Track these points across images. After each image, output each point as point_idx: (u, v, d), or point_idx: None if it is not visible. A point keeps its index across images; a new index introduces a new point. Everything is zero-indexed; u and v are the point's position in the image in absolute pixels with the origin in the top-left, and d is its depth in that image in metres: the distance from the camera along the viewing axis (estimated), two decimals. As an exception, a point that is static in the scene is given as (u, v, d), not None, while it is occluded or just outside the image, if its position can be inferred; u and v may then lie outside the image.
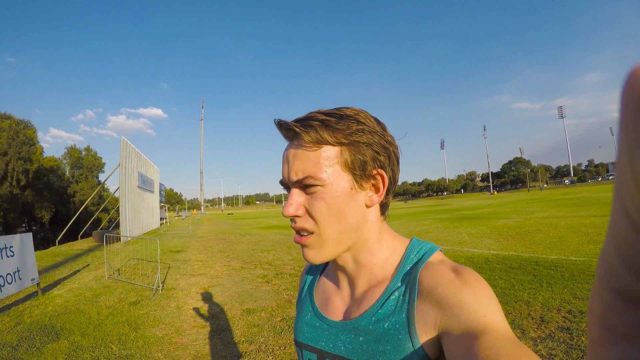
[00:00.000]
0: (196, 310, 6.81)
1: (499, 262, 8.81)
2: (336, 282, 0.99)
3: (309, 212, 0.84)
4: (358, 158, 0.83)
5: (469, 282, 0.74)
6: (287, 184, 0.88)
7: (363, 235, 0.88)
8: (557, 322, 4.94)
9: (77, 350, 5.12)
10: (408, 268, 0.85)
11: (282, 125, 0.86)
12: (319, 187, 0.82)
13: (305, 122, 0.83)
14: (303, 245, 0.87)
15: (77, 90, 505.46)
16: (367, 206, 0.87)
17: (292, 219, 0.86)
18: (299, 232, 0.87)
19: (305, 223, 0.84)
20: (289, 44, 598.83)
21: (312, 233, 0.85)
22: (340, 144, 0.82)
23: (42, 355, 5.00)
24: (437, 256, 0.86)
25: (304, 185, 0.83)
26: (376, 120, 0.89)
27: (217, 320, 6.21)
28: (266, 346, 5.02)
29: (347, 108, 0.86)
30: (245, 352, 4.87)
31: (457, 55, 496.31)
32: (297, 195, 0.85)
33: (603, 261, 0.28)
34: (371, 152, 0.84)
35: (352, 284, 0.94)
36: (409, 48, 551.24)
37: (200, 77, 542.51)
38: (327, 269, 1.07)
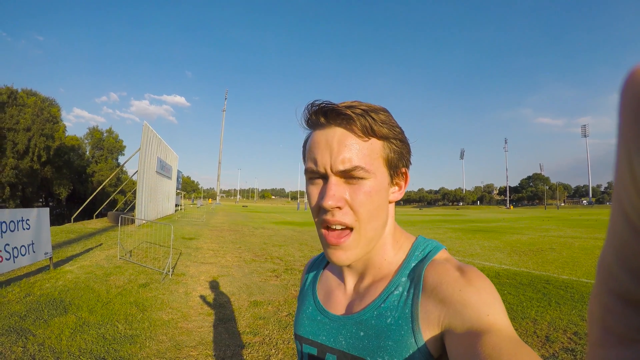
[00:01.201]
0: (203, 297, 6.84)
1: (509, 277, 8.70)
2: (340, 277, 0.99)
3: (350, 205, 0.81)
4: (395, 154, 0.84)
5: (473, 280, 0.73)
6: (321, 173, 0.82)
7: (384, 232, 0.88)
8: (562, 342, 4.85)
9: (83, 326, 5.18)
10: (413, 265, 0.85)
11: (326, 109, 0.81)
12: (365, 179, 0.80)
13: (353, 109, 0.80)
14: (336, 247, 0.83)
15: (102, 72, 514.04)
16: (390, 202, 0.88)
17: (330, 212, 0.81)
18: (331, 228, 0.82)
19: (344, 217, 0.81)
20: (314, 45, 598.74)
21: (350, 230, 0.82)
22: (385, 138, 0.82)
23: (48, 328, 5.07)
24: (442, 254, 0.86)
25: (349, 176, 0.80)
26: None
27: (223, 309, 6.23)
28: (270, 339, 5.02)
29: (371, 104, 0.84)
30: (249, 343, 4.87)
31: (482, 66, 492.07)
32: (337, 185, 0.81)
33: (602, 264, 0.29)
34: (403, 150, 0.85)
35: (356, 279, 0.94)
36: (434, 56, 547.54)
37: (225, 69, 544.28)
38: (331, 263, 1.04)
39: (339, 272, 0.99)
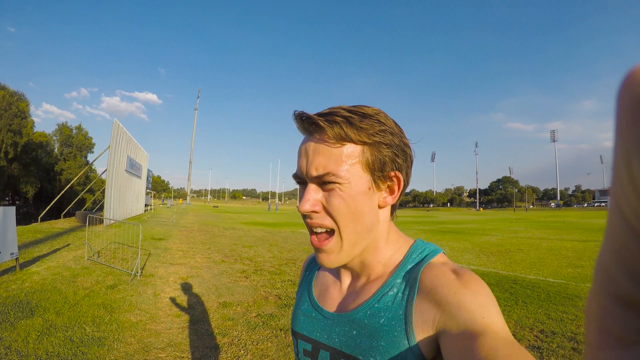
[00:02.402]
0: (172, 299, 6.82)
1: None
2: (337, 275, 1.00)
3: (326, 210, 0.83)
4: (378, 159, 0.83)
5: (469, 283, 0.74)
6: (302, 179, 0.86)
7: (374, 236, 0.88)
8: (528, 340, 5.01)
9: (50, 329, 5.13)
10: (410, 266, 0.86)
11: (304, 118, 0.84)
12: (338, 184, 0.81)
13: (330, 117, 0.82)
14: (320, 250, 0.86)
15: (73, 67, 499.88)
16: (380, 207, 0.88)
17: (309, 215, 0.84)
18: (314, 232, 0.86)
19: (323, 220, 0.83)
20: (291, 45, 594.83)
21: (332, 233, 0.84)
22: (363, 143, 0.82)
23: (15, 330, 5.01)
24: (439, 258, 0.87)
25: (323, 182, 0.82)
26: (394, 122, 0.89)
27: (192, 310, 6.24)
28: (239, 340, 5.05)
29: (368, 107, 0.87)
30: (218, 345, 4.91)
31: (456, 71, 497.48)
32: (314, 191, 0.84)
33: (600, 266, 0.29)
34: (391, 153, 0.84)
35: (351, 278, 0.96)
36: (409, 59, 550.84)
37: (199, 67, 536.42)
38: None
39: (335, 270, 1.01)
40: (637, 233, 0.24)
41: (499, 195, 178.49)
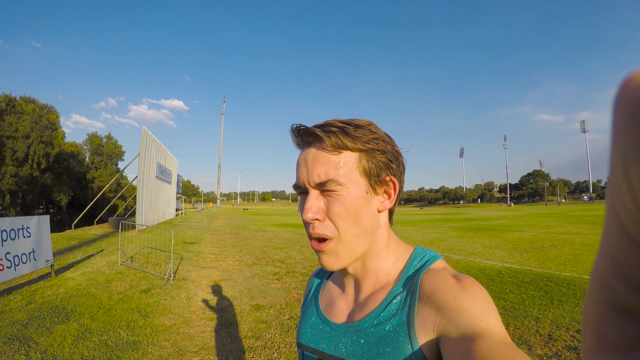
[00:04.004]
0: (205, 302, 6.84)
1: (511, 275, 8.68)
2: (342, 287, 1.01)
3: (328, 216, 0.85)
4: (374, 164, 0.87)
5: (467, 287, 0.76)
6: (303, 188, 0.89)
7: (375, 240, 0.90)
8: (565, 340, 4.83)
9: (85, 333, 5.18)
10: (411, 273, 0.88)
11: (301, 130, 0.88)
12: (338, 191, 0.84)
13: (326, 127, 0.86)
14: (321, 252, 0.87)
15: (100, 77, 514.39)
16: (379, 211, 0.90)
17: (311, 224, 0.86)
18: (316, 238, 0.87)
19: (324, 229, 0.85)
20: (311, 45, 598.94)
21: (332, 239, 0.86)
22: (359, 150, 0.86)
23: (51, 335, 5.07)
24: (439, 264, 0.89)
25: (324, 189, 0.85)
26: (384, 132, 0.93)
27: (225, 313, 6.24)
28: (272, 343, 5.02)
29: (359, 120, 0.90)
30: (251, 348, 4.88)
31: (480, 63, 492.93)
32: (315, 199, 0.86)
33: (596, 272, 0.29)
34: (385, 159, 0.88)
35: (357, 289, 0.96)
36: (432, 54, 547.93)
37: (223, 72, 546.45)
38: (334, 274, 1.09)
39: (340, 282, 1.02)
40: (633, 240, 0.24)
41: (530, 189, 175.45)
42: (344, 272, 0.96)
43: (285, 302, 6.87)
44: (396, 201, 0.93)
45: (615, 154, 0.24)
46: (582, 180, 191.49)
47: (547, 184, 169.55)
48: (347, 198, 0.84)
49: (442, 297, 0.75)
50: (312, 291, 1.13)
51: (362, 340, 0.84)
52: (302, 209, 0.88)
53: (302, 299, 5.68)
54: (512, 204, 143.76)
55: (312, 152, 0.87)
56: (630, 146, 0.22)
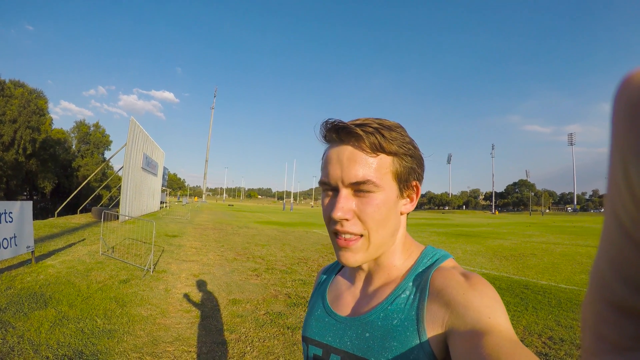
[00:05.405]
0: (183, 294, 6.91)
1: (489, 281, 8.74)
2: (352, 280, 1.03)
3: (358, 216, 0.86)
4: (405, 169, 0.89)
5: (476, 285, 0.78)
6: (334, 186, 0.89)
7: (394, 240, 0.93)
8: (536, 347, 4.95)
9: (62, 320, 5.24)
10: (420, 270, 0.90)
11: (339, 127, 0.87)
12: (373, 192, 0.85)
13: (364, 127, 0.85)
14: (347, 249, 0.88)
15: (91, 65, 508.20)
16: (402, 214, 0.93)
17: (339, 222, 0.87)
18: (342, 234, 0.88)
19: (352, 227, 0.86)
20: (306, 45, 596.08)
21: (360, 236, 0.87)
22: (394, 154, 0.87)
23: (28, 320, 5.13)
24: (449, 262, 0.92)
25: (358, 189, 0.86)
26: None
27: (202, 307, 6.32)
28: (246, 337, 5.11)
29: (389, 121, 0.91)
30: (225, 341, 4.97)
31: (472, 71, 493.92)
32: (346, 198, 0.86)
33: (595, 272, 0.29)
34: (413, 164, 0.90)
35: (366, 283, 0.98)
36: (425, 60, 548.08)
37: (216, 66, 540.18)
38: (344, 269, 1.11)
39: (351, 276, 1.03)
40: (633, 239, 0.24)
41: (515, 198, 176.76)
42: (357, 267, 0.98)
43: (262, 297, 6.95)
44: (416, 204, 0.95)
45: (615, 154, 0.24)
46: (567, 192, 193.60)
47: (533, 194, 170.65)
48: (381, 200, 0.86)
49: (451, 294, 0.77)
50: (320, 286, 1.15)
51: (367, 334, 0.86)
52: (330, 206, 0.89)
53: (280, 296, 5.79)
54: (497, 212, 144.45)
55: (349, 150, 0.87)
56: (629, 146, 0.22)
